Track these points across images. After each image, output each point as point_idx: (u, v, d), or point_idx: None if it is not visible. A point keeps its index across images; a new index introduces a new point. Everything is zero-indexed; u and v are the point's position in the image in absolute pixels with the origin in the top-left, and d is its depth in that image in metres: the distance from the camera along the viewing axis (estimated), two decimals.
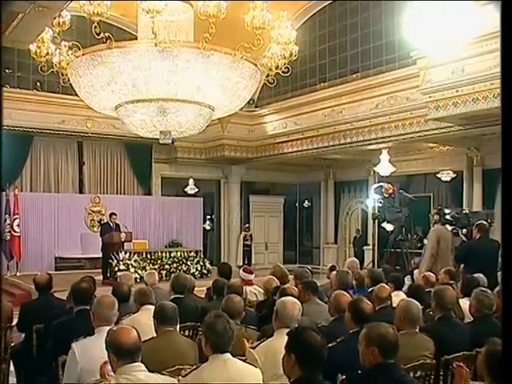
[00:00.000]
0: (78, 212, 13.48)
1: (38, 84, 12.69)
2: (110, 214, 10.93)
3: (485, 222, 7.08)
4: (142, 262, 10.71)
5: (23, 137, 12.75)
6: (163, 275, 10.35)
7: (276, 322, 3.36)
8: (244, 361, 2.93)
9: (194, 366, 2.86)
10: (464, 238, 8.28)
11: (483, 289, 4.20)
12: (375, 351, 2.63)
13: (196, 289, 5.81)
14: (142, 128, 8.54)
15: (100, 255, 10.91)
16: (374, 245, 14.41)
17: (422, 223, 11.81)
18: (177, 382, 2.73)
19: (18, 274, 11.61)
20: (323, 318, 4.25)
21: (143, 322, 3.83)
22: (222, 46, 7.65)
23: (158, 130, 8.41)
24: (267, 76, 8.35)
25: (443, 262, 7.04)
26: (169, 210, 14.90)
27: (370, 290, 5.01)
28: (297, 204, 18.04)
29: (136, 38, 8.50)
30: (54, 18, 6.55)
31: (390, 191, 9.26)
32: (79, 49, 7.74)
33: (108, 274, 10.34)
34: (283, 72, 8.07)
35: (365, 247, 14.95)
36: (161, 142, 8.74)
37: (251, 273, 6.07)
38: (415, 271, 7.86)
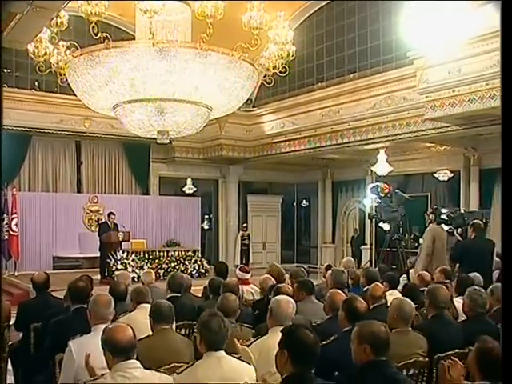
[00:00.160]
0: (76, 211, 13.51)
1: (36, 84, 12.69)
2: (109, 214, 10.95)
3: (480, 222, 7.11)
4: (139, 262, 10.75)
5: (21, 136, 12.76)
6: (161, 274, 10.40)
7: (270, 320, 3.39)
8: (238, 358, 2.96)
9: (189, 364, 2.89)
10: (459, 238, 8.32)
11: (477, 288, 4.24)
12: (367, 349, 2.66)
13: (194, 288, 5.85)
14: (139, 128, 8.56)
15: (98, 255, 10.95)
16: (371, 244, 14.46)
17: (419, 223, 11.83)
18: (172, 379, 2.76)
19: (16, 273, 11.61)
20: (318, 316, 4.28)
21: (139, 320, 3.85)
22: (220, 46, 7.68)
23: (155, 130, 8.43)
24: (265, 76, 8.37)
25: (439, 262, 7.08)
26: (167, 210, 14.93)
27: (365, 289, 5.04)
28: (294, 204, 18.07)
29: (134, 38, 8.53)
30: (52, 19, 6.56)
31: (386, 191, 9.29)
32: (77, 49, 7.76)
33: (106, 274, 10.37)
34: (281, 72, 8.10)
35: (362, 247, 15.01)
36: (158, 141, 8.78)
37: (247, 272, 6.11)
38: (411, 270, 7.90)
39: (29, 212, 12.80)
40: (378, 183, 9.77)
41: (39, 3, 4.42)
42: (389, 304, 4.04)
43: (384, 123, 10.91)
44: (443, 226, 8.18)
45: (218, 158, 14.87)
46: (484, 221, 8.25)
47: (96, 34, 6.98)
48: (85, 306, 3.80)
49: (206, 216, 16.69)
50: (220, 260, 14.37)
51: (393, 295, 4.68)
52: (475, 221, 7.16)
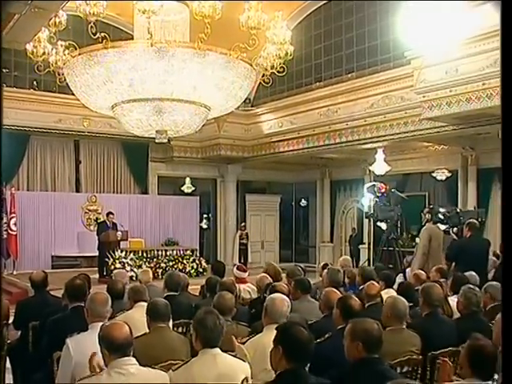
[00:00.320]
0: (75, 211, 13.53)
1: (35, 83, 12.70)
2: (107, 214, 10.96)
3: (475, 221, 7.15)
4: (137, 261, 10.77)
5: (20, 136, 12.76)
6: (159, 273, 10.41)
7: (265, 318, 3.43)
8: (234, 356, 3.00)
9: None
10: (455, 237, 8.35)
11: (471, 286, 4.27)
12: (360, 346, 2.70)
13: (192, 287, 5.89)
14: (138, 127, 8.59)
15: (96, 254, 10.97)
16: (369, 243, 14.51)
17: (417, 222, 11.88)
18: (167, 375, 2.79)
19: (14, 272, 11.63)
20: (314, 315, 4.31)
21: (136, 318, 3.88)
22: (218, 46, 7.70)
23: (154, 130, 8.46)
24: (263, 76, 8.38)
25: (435, 261, 7.11)
26: (165, 209, 14.95)
27: (360, 287, 5.08)
28: (293, 203, 18.10)
29: (132, 38, 8.55)
30: (51, 19, 6.59)
31: (383, 190, 9.32)
32: (75, 48, 7.78)
33: (104, 273, 10.38)
34: (279, 72, 8.12)
35: (360, 246, 15.05)
36: (157, 141, 8.80)
37: (245, 271, 6.15)
38: (407, 269, 7.94)
39: (27, 211, 12.83)
40: (374, 183, 9.80)
41: (38, 4, 4.45)
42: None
43: (382, 123, 10.94)
44: (440, 225, 8.21)
45: (216, 157, 14.89)
46: (479, 220, 8.28)
47: (94, 34, 7.01)
48: (82, 304, 3.83)
49: (205, 215, 16.72)
50: (218, 259, 14.41)
51: (388, 294, 4.70)
52: (471, 220, 7.19)
